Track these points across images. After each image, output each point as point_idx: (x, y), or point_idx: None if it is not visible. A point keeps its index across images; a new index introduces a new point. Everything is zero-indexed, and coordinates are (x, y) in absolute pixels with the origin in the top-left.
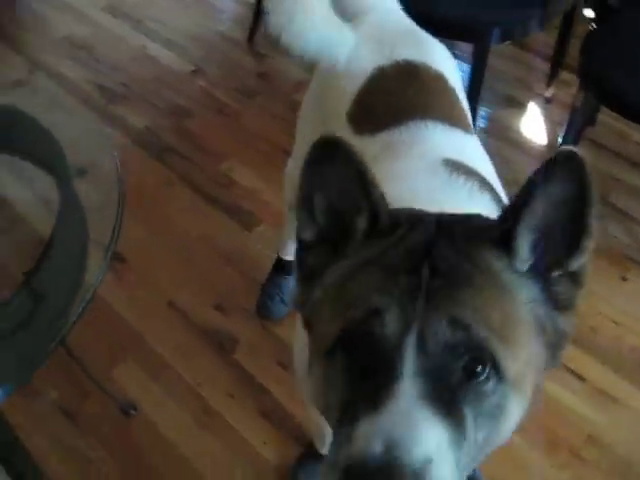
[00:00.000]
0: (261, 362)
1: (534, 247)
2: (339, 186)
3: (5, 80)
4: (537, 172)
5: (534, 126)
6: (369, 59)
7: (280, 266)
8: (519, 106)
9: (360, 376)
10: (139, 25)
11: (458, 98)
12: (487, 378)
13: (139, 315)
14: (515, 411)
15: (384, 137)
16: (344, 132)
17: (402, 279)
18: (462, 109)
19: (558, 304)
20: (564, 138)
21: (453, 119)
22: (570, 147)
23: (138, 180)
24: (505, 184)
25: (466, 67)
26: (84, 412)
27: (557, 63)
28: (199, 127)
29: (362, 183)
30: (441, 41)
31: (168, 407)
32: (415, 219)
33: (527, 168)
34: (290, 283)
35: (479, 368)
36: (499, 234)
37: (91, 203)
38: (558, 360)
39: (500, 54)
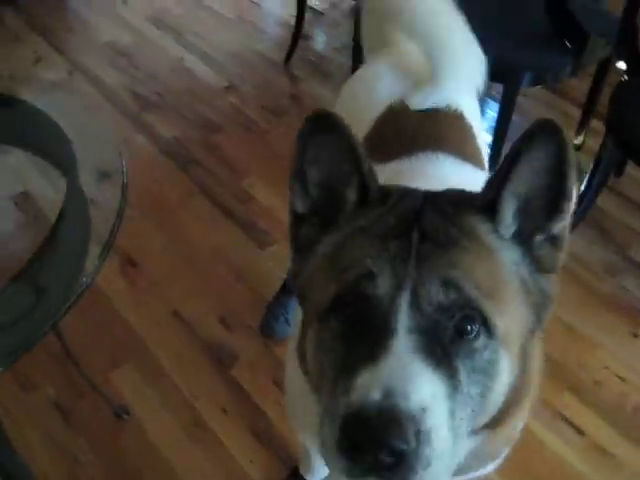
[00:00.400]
0: (258, 380)
1: (517, 214)
2: (331, 158)
3: (45, 78)
4: (519, 141)
5: None
6: (391, 89)
7: (288, 287)
8: None
9: (355, 337)
10: (180, 38)
11: (474, 136)
12: (477, 335)
13: (144, 321)
14: (505, 368)
15: (394, 166)
16: None
17: (393, 243)
18: (477, 147)
19: (541, 267)
20: (586, 186)
21: (466, 155)
22: (547, 117)
23: (160, 188)
24: None
25: (496, 107)
26: (78, 411)
27: (588, 111)
28: (226, 142)
29: (353, 155)
30: None
31: (161, 415)
32: (403, 192)
33: None
34: (295, 305)
35: (470, 326)
36: (484, 201)
37: (108, 205)
38: (543, 322)
39: (532, 97)
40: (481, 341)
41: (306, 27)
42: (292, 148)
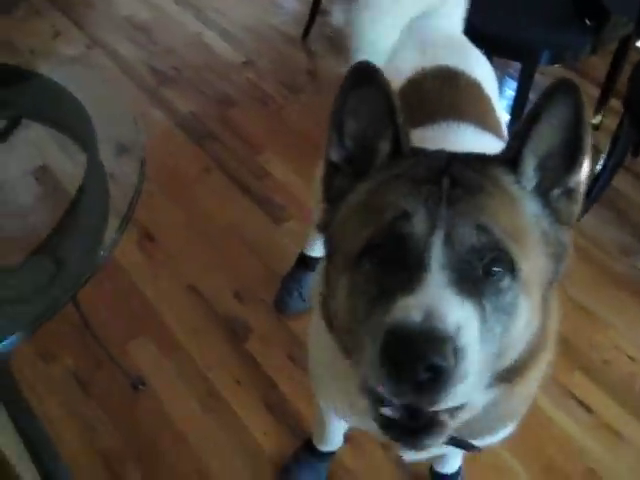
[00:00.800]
0: (272, 354)
1: (537, 167)
2: (369, 110)
3: (64, 53)
4: (539, 100)
5: None
6: (413, 59)
7: (303, 262)
8: None
9: (389, 276)
10: (199, 13)
11: (493, 107)
12: (503, 276)
13: (160, 294)
14: (525, 312)
15: (417, 133)
16: None
17: (425, 187)
18: (497, 118)
19: (559, 219)
20: (602, 166)
21: (486, 124)
22: (565, 77)
23: (176, 162)
24: None
25: (515, 86)
26: (95, 381)
27: (608, 90)
28: (242, 117)
29: (389, 107)
30: (494, 57)
31: (176, 386)
32: (431, 151)
33: None
34: (310, 280)
35: (498, 267)
36: (507, 156)
37: (127, 179)
38: (560, 274)
39: (551, 75)
40: (506, 282)
41: (324, 2)
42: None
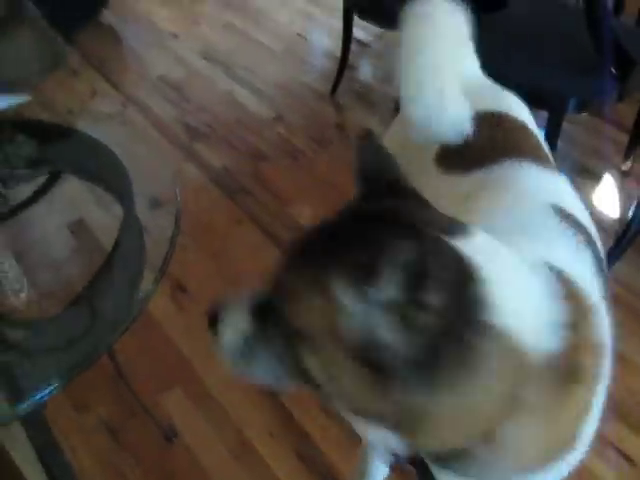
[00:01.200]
0: (305, 405)
1: None
2: None
3: (100, 111)
4: None
5: (607, 199)
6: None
7: None
8: (593, 177)
9: None
10: (229, 71)
11: (541, 142)
12: None
13: (193, 345)
14: None
15: (479, 175)
16: (431, 172)
17: None
18: (547, 152)
19: None
20: (634, 213)
21: (542, 160)
22: None
23: (209, 216)
24: None
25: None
26: (127, 431)
27: (636, 136)
28: (273, 171)
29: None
30: None
31: (209, 438)
32: None
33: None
34: None
35: None
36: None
37: (161, 232)
38: None
39: (576, 122)
40: None
41: (351, 58)
42: (337, 176)
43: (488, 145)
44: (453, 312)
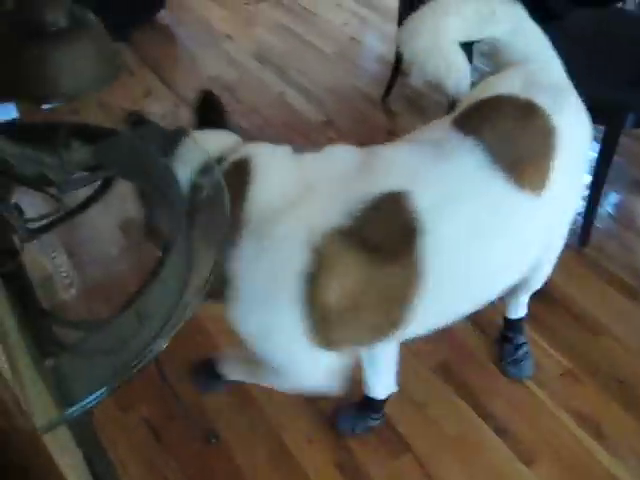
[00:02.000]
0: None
1: None
2: None
3: (153, 112)
4: None
5: None
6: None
7: None
8: None
9: None
10: (282, 73)
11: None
12: None
13: (237, 348)
14: None
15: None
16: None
17: None
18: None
19: None
20: None
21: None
22: None
23: None
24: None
25: (596, 146)
26: (169, 432)
27: None
28: None
29: None
30: None
31: (248, 441)
32: None
33: None
34: None
35: None
36: None
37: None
38: None
39: (634, 136)
40: None
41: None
42: None
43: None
44: None
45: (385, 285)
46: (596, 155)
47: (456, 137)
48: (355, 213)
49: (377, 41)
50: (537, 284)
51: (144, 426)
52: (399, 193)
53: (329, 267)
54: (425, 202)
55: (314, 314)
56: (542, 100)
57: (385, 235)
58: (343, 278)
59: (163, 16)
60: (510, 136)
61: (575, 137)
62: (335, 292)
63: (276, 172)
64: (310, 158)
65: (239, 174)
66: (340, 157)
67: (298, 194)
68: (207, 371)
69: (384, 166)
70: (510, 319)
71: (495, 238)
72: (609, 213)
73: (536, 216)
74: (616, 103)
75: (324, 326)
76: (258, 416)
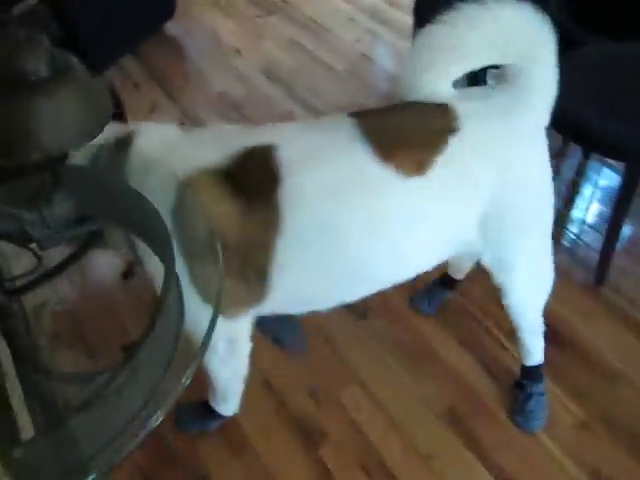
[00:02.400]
0: (343, 461)
1: None
2: None
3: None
4: None
5: None
6: None
7: None
8: None
9: None
10: (291, 91)
11: None
12: None
13: None
14: None
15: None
16: None
17: None
18: None
19: None
20: None
21: None
22: None
23: None
24: None
25: (616, 178)
26: (162, 478)
27: None
28: None
29: None
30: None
31: None
32: None
33: None
34: None
35: None
36: None
37: None
38: None
39: None
40: None
41: None
42: None
43: None
44: None
45: (248, 225)
46: (607, 183)
47: (341, 116)
48: (225, 158)
49: (389, 58)
50: (523, 316)
51: (136, 472)
52: (269, 146)
53: (193, 198)
54: (291, 155)
55: (183, 250)
56: (463, 106)
57: (251, 178)
58: (207, 210)
59: (170, 27)
60: (391, 122)
61: (506, 155)
62: (200, 223)
63: (157, 132)
64: (197, 130)
65: (122, 144)
66: (225, 127)
67: (175, 146)
68: (192, 411)
69: (263, 129)
70: (524, 366)
71: (357, 203)
72: (622, 247)
73: (415, 199)
74: (637, 140)
75: (192, 264)
76: (253, 461)
